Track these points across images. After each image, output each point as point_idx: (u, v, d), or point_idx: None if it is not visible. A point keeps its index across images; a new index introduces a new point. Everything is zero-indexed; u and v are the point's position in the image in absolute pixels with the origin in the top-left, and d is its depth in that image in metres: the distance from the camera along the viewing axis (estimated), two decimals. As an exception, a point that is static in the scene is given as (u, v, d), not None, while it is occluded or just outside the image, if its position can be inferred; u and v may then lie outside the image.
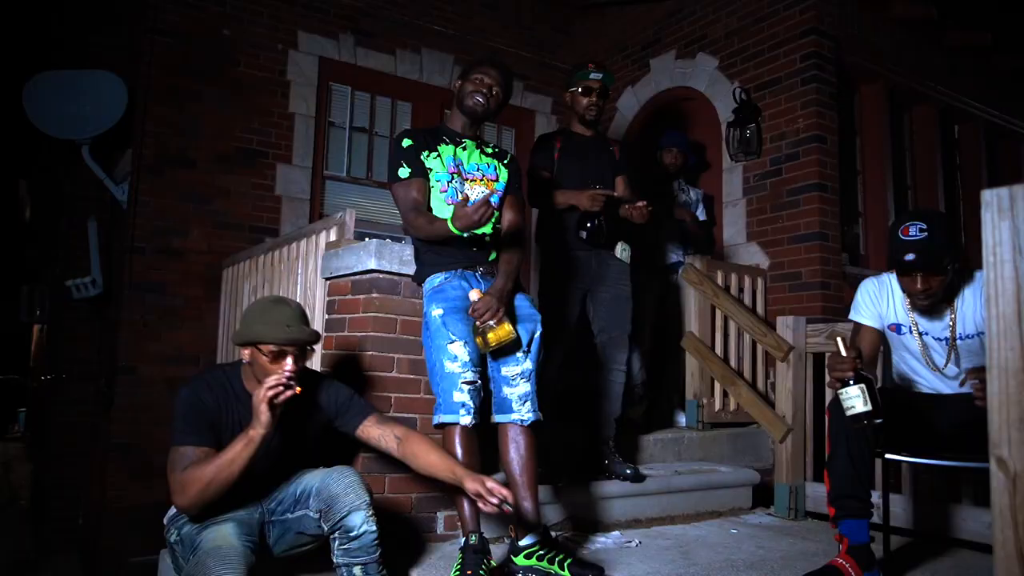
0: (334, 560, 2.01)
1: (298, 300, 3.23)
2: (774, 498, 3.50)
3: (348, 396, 2.24)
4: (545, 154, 3.25)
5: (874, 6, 4.75)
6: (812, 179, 4.27)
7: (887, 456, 2.38)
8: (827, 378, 2.27)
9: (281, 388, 1.91)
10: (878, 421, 2.09)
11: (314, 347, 2.18)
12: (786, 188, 4.40)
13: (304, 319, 2.11)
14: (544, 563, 2.25)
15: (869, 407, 2.08)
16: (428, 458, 2.12)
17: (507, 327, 2.29)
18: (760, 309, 4.35)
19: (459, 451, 2.28)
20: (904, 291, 2.33)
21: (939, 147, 5.34)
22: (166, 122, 4.42)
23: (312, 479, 2.08)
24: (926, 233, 2.14)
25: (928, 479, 3.22)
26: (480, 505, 1.98)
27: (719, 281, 4.12)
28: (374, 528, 1.98)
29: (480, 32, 5.64)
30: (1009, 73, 5.73)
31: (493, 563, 2.22)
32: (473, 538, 2.21)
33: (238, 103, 4.67)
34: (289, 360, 2.00)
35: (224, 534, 1.88)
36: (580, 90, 3.23)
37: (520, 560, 2.29)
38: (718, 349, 4.10)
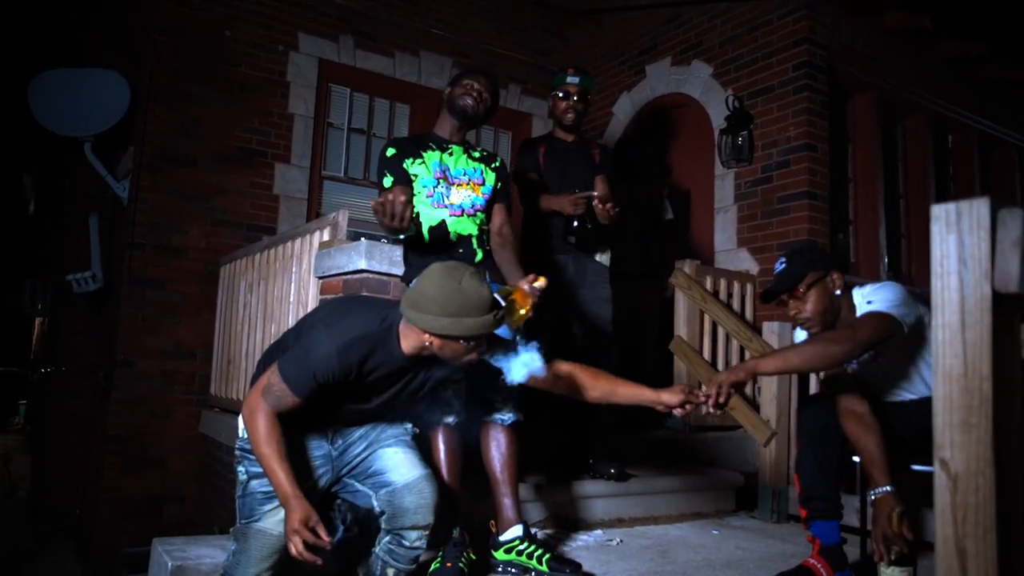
0: (375, 548, 2.04)
1: (292, 299, 3.30)
2: (758, 501, 3.56)
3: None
4: (530, 157, 3.30)
5: (867, 16, 4.80)
6: (802, 187, 4.34)
7: (855, 459, 2.43)
8: (874, 533, 2.16)
9: (303, 553, 1.76)
10: None
11: None
12: (776, 195, 4.46)
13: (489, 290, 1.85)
14: (523, 558, 2.31)
15: None
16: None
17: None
18: (749, 314, 4.41)
19: (441, 448, 2.35)
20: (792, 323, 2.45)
21: (932, 156, 5.39)
22: (167, 121, 4.49)
23: (392, 473, 2.01)
24: (784, 264, 2.32)
25: (906, 484, 3.27)
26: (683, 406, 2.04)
27: (708, 286, 4.18)
28: (424, 546, 2.01)
29: (478, 35, 5.71)
30: (1003, 83, 5.78)
31: (473, 556, 2.28)
32: (455, 531, 2.27)
33: (238, 103, 4.74)
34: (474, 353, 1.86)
35: (275, 523, 1.92)
36: (560, 94, 3.27)
37: (500, 555, 2.35)
38: (706, 353, 4.15)
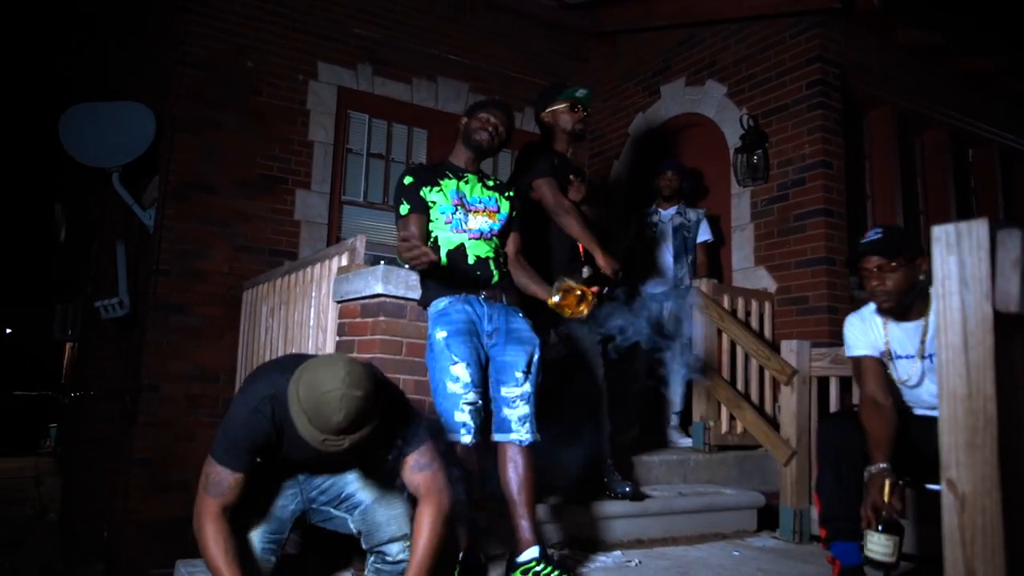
0: (365, 571, 2.10)
1: (311, 323, 3.36)
2: (779, 521, 3.52)
3: (411, 424, 2.02)
4: (548, 162, 3.22)
5: (879, 33, 4.80)
6: (818, 204, 4.33)
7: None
8: (864, 509, 2.14)
9: None
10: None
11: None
12: (793, 213, 4.46)
13: (367, 416, 1.76)
14: (540, 580, 2.31)
15: (893, 559, 2.04)
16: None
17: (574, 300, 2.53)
18: (768, 333, 4.39)
19: (458, 468, 2.37)
20: (867, 291, 2.43)
21: (952, 171, 5.34)
22: (191, 150, 4.61)
23: (360, 493, 2.07)
24: (880, 233, 2.40)
25: (935, 504, 3.22)
26: None
27: (725, 305, 4.18)
28: (407, 558, 1.99)
29: (494, 60, 5.79)
30: (1022, 97, 5.73)
31: (490, 579, 2.29)
32: (471, 555, 2.28)
33: (259, 131, 4.85)
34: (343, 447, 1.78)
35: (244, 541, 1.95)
36: (568, 106, 3.26)
37: (517, 576, 2.36)
38: (725, 372, 4.14)
